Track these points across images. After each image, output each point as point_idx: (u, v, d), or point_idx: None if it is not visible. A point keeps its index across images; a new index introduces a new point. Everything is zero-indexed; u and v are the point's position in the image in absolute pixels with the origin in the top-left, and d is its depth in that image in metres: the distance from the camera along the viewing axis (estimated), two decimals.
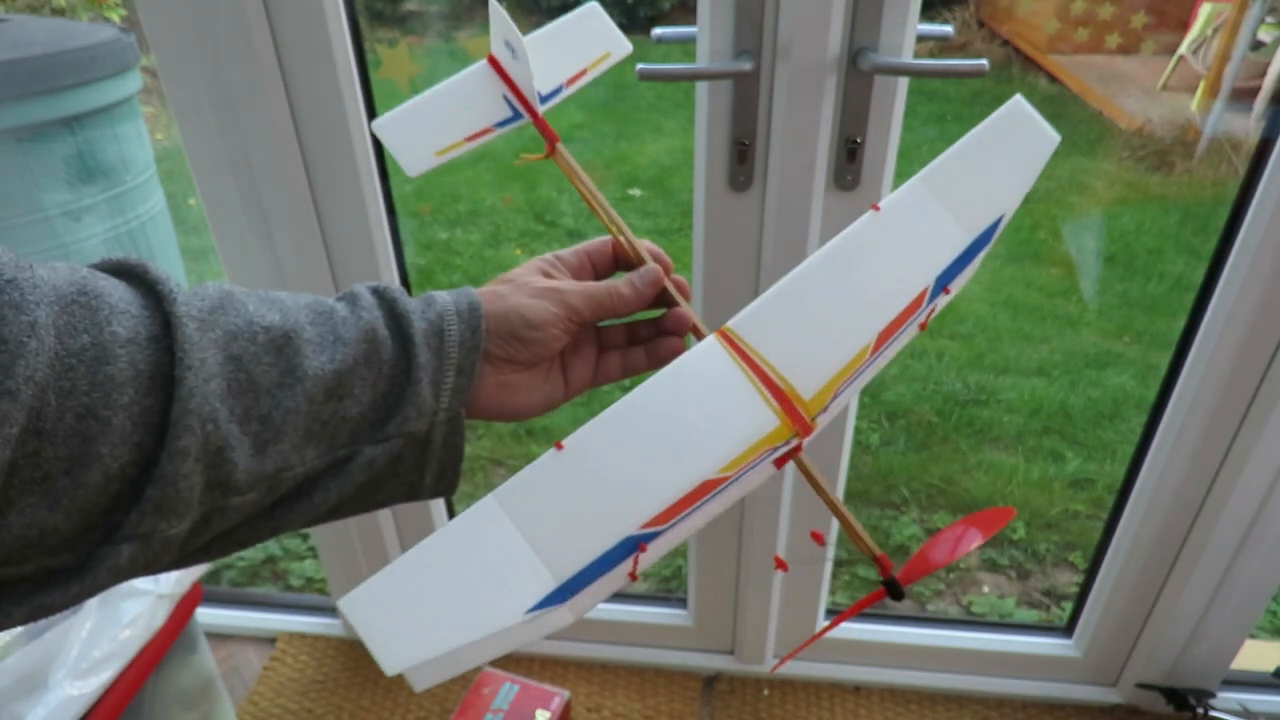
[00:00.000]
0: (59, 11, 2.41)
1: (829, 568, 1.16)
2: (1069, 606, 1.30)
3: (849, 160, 0.82)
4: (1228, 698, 1.15)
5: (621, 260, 0.46)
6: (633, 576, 0.33)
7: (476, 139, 0.48)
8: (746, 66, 0.77)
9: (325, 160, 0.87)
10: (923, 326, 0.38)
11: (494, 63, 0.49)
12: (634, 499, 0.32)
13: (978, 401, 1.85)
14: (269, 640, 1.30)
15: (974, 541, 0.33)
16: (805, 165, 0.81)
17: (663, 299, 0.44)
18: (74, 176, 1.07)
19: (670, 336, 0.44)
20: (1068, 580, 1.45)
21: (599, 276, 0.46)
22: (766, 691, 1.21)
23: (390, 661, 0.28)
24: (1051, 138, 0.39)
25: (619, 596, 1.30)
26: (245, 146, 0.86)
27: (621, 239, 0.45)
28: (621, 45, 0.52)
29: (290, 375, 0.33)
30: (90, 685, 0.79)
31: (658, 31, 0.82)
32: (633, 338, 0.46)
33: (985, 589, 1.43)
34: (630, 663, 1.25)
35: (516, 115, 0.48)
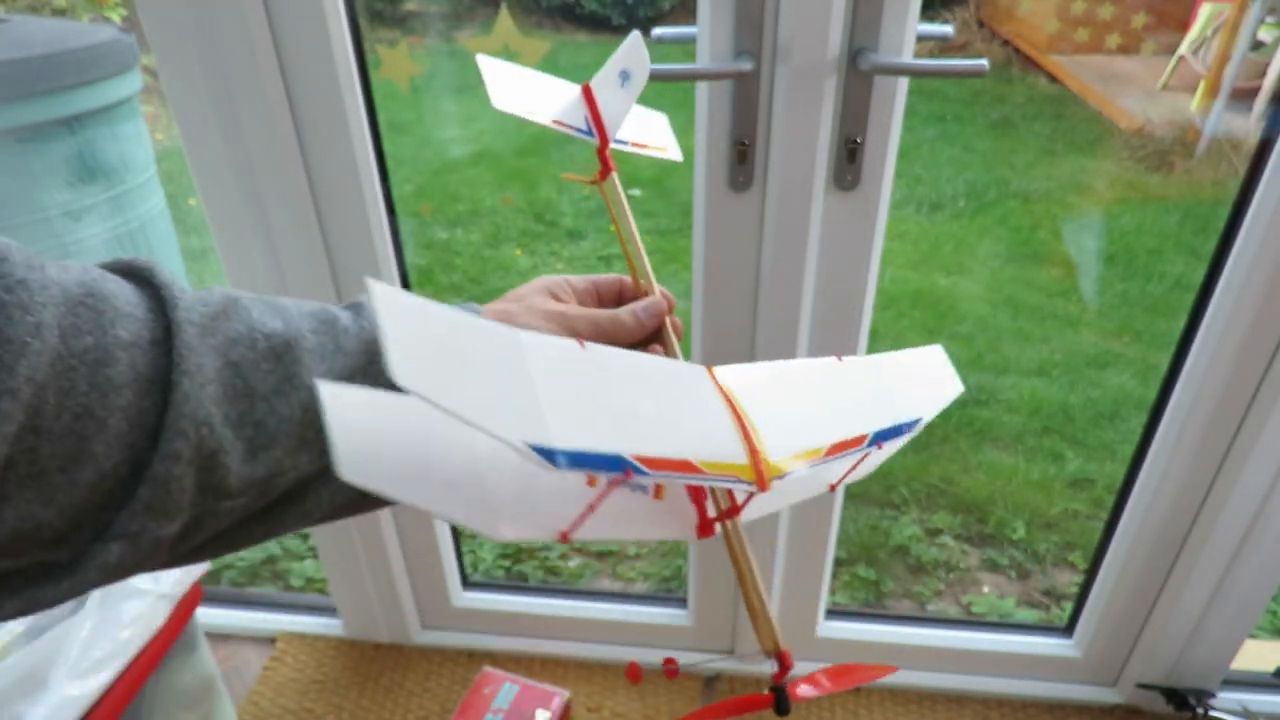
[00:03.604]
0: (59, 11, 2.41)
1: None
2: (1069, 606, 1.30)
3: (849, 160, 0.82)
4: (1228, 698, 1.15)
5: (628, 300, 0.48)
6: (564, 537, 0.30)
7: (563, 128, 0.52)
8: (746, 66, 0.77)
9: (325, 160, 0.87)
10: (832, 488, 0.41)
11: (587, 93, 0.53)
12: (635, 427, 0.30)
13: (978, 401, 1.85)
14: (269, 640, 1.30)
15: (859, 680, 0.35)
16: (805, 165, 0.81)
17: (657, 334, 0.46)
18: (74, 176, 1.07)
19: None
20: (1068, 580, 1.45)
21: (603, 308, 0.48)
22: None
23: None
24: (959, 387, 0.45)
25: (618, 597, 1.30)
26: (245, 146, 0.86)
27: (639, 273, 0.48)
28: (676, 152, 0.59)
29: (287, 383, 0.33)
30: (90, 685, 0.78)
31: (658, 31, 0.82)
32: None
33: (985, 589, 1.43)
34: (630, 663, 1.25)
35: (588, 133, 0.52)
